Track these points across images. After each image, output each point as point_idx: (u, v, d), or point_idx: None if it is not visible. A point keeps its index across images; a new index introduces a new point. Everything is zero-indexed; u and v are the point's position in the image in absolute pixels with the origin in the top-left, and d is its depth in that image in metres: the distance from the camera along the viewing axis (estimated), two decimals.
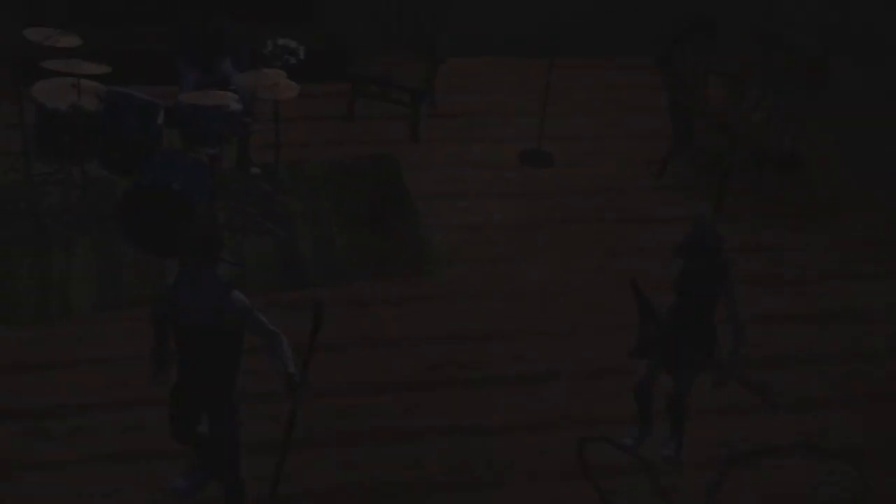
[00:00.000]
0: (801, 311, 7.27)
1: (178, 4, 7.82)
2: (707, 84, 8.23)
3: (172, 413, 5.32)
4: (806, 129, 8.15)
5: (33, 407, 6.10)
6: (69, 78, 6.91)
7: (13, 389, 6.20)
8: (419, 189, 7.98)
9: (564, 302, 7.16)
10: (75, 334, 6.60)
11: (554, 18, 8.65)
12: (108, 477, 5.76)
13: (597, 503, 5.90)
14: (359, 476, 5.91)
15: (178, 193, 6.78)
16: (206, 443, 5.40)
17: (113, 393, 6.20)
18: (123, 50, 8.03)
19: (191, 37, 7.42)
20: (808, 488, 6.07)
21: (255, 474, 5.68)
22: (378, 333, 6.78)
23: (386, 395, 6.39)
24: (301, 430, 5.81)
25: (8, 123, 7.44)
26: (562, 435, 6.23)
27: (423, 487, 5.90)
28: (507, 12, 9.28)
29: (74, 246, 7.15)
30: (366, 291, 7.08)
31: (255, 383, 5.56)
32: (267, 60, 7.24)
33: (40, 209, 7.28)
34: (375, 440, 6.11)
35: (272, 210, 7.55)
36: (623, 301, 5.98)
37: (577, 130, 8.69)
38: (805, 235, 7.96)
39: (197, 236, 5.02)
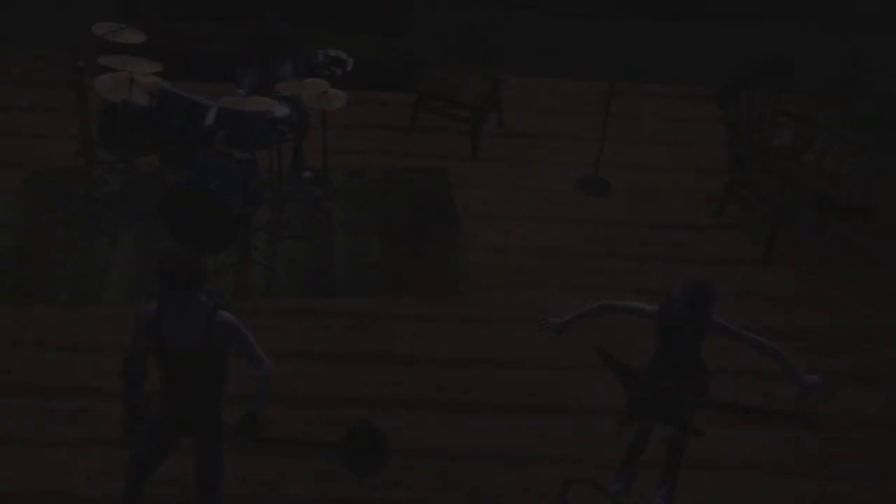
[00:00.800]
0: (833, 371, 6.96)
1: (251, 6, 8.03)
2: (775, 125, 7.96)
3: (144, 448, 5.25)
4: (879, 177, 7.81)
5: (46, 384, 6.41)
6: (131, 72, 7.19)
7: (32, 365, 6.55)
8: (467, 207, 7.98)
9: (588, 337, 7.01)
10: (104, 320, 6.86)
11: (625, 44, 8.56)
12: (101, 461, 6.00)
13: None
14: (337, 488, 5.98)
15: (214, 194, 6.97)
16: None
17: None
18: (191, 47, 8.34)
19: (252, 38, 7.60)
20: None
21: (236, 474, 5.85)
22: (390, 349, 6.83)
23: (382, 410, 6.43)
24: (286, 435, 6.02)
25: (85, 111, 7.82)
26: (552, 472, 6.14)
27: None
28: (578, 34, 9.19)
29: (120, 235, 7.46)
30: (388, 306, 7.14)
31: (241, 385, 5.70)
32: (315, 70, 7.36)
33: (96, 195, 7.60)
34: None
35: (315, 215, 7.68)
36: (647, 343, 5.85)
37: (637, 160, 8.53)
38: (861, 290, 7.60)
39: (182, 269, 4.91)
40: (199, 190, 6.96)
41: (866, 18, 8.99)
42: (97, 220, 7.49)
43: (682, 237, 7.89)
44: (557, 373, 6.75)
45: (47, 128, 8.27)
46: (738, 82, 7.71)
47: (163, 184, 7.48)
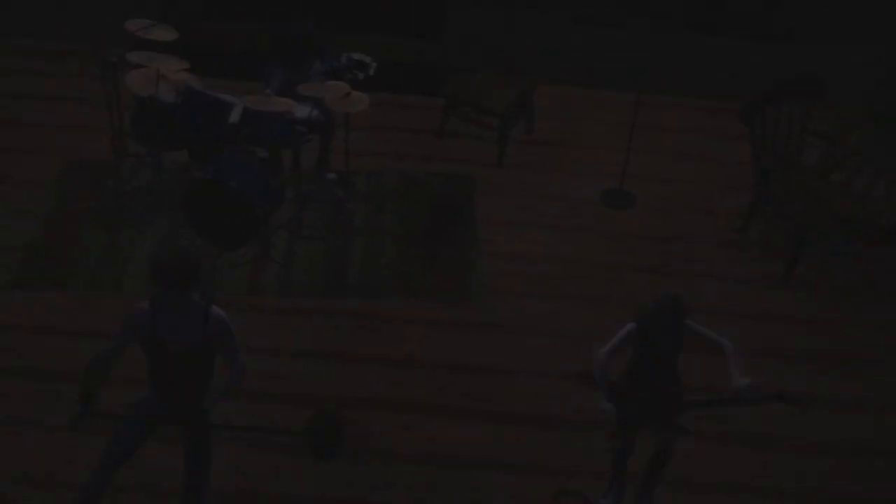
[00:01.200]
0: (844, 396, 6.86)
1: (285, 6, 8.13)
2: (803, 144, 7.85)
3: (128, 439, 5.30)
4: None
5: (56, 369, 6.58)
6: (161, 68, 7.32)
7: (46, 350, 6.71)
8: (488, 214, 8.00)
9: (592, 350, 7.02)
10: (119, 310, 6.98)
11: (659, 55, 8.50)
12: (99, 447, 6.12)
13: None
14: (325, 489, 6.05)
15: (235, 190, 7.08)
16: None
17: (128, 371, 6.52)
18: (224, 45, 8.49)
19: (281, 38, 7.69)
20: None
21: (237, 469, 5.99)
22: (395, 352, 6.88)
23: (380, 412, 6.49)
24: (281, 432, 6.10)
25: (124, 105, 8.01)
26: (542, 482, 6.15)
27: None
28: (610, 44, 9.16)
29: (144, 228, 7.62)
30: (399, 308, 7.18)
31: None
32: (337, 73, 7.44)
33: (124, 189, 7.77)
34: (353, 456, 6.23)
35: (337, 217, 7.76)
36: None
37: (664, 173, 8.48)
38: (880, 315, 7.46)
39: (180, 270, 4.93)
40: (220, 186, 7.08)
41: None
42: (123, 212, 7.66)
43: (704, 252, 7.82)
44: (561, 384, 6.74)
45: (84, 120, 8.49)
46: (763, 99, 7.61)
47: (188, 179, 7.62)
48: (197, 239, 7.36)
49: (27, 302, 7.04)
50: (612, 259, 7.72)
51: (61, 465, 6.06)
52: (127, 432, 5.29)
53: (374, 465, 6.21)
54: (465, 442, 6.37)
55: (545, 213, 8.06)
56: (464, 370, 6.81)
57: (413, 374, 6.75)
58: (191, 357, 5.13)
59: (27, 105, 8.72)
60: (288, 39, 7.68)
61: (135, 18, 7.45)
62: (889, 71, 8.74)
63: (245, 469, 6.11)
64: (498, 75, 8.56)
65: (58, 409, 6.34)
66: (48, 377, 6.54)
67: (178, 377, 5.22)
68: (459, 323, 7.12)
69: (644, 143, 8.51)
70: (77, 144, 8.30)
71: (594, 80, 9.19)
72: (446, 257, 7.59)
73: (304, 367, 6.74)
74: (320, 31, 7.72)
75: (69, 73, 9.01)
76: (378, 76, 7.76)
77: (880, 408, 6.78)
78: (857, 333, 7.30)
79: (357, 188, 8.07)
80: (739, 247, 7.89)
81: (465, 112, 8.51)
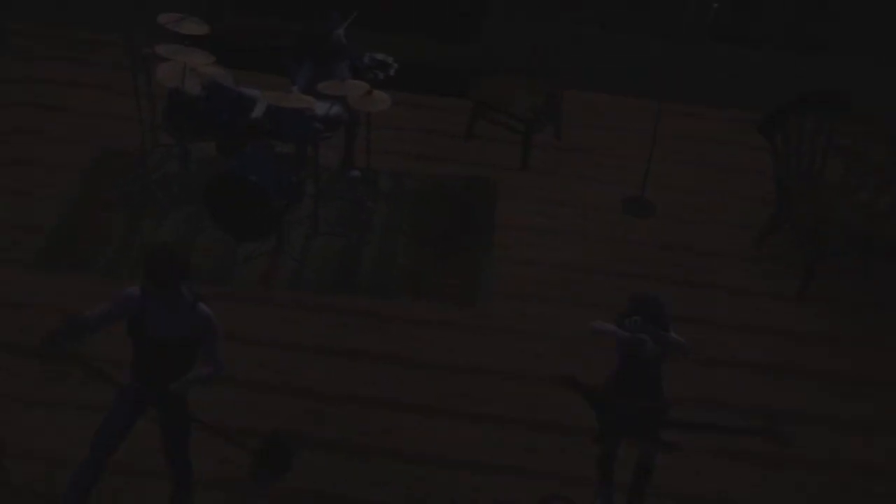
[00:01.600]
0: (850, 414, 6.80)
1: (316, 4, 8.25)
2: (826, 160, 7.78)
3: (117, 425, 5.42)
4: None
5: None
6: (188, 62, 7.46)
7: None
8: (507, 219, 8.03)
9: (598, 358, 7.01)
10: None
11: (687, 65, 8.46)
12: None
13: None
14: (325, 486, 6.14)
15: (255, 185, 7.21)
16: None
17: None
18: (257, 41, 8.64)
19: (304, 36, 7.81)
20: None
21: (237, 464, 6.08)
22: (398, 352, 6.95)
23: (382, 411, 6.57)
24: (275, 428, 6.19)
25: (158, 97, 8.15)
26: (541, 485, 6.20)
27: None
28: (641, 52, 9.15)
29: (167, 218, 7.77)
30: (406, 308, 7.26)
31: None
32: (358, 72, 7.53)
33: (151, 178, 7.94)
34: (348, 453, 6.32)
35: (357, 215, 7.85)
36: None
37: (687, 184, 8.45)
38: (894, 335, 7.38)
39: (171, 269, 5.07)
40: (240, 180, 7.21)
41: None
42: (148, 202, 7.83)
43: (719, 265, 7.79)
44: (562, 389, 6.75)
45: (121, 109, 8.66)
46: (784, 112, 7.57)
47: (212, 172, 7.77)
48: (217, 230, 7.51)
49: (45, 283, 7.22)
50: (626, 267, 7.72)
51: (64, 444, 6.20)
52: (115, 418, 5.44)
53: (375, 463, 6.29)
54: (466, 443, 6.43)
55: (564, 219, 8.08)
56: (466, 371, 6.87)
57: (416, 374, 6.82)
58: (173, 349, 5.28)
59: (66, 92, 8.94)
60: (309, 38, 7.79)
61: (167, 12, 7.62)
62: None
63: (245, 464, 6.20)
64: (526, 80, 8.60)
65: (63, 390, 6.51)
66: (56, 357, 6.68)
67: (160, 365, 5.35)
68: (465, 325, 7.18)
69: (670, 152, 8.50)
70: (112, 133, 8.46)
71: (622, 87, 9.18)
72: (458, 260, 7.64)
73: (308, 363, 6.84)
74: (351, 30, 7.82)
75: (108, 63, 9.20)
76: (405, 76, 7.83)
77: (886, 427, 6.72)
78: (868, 352, 7.23)
79: (379, 187, 8.16)
80: (755, 260, 7.86)
81: (493, 115, 8.55)
